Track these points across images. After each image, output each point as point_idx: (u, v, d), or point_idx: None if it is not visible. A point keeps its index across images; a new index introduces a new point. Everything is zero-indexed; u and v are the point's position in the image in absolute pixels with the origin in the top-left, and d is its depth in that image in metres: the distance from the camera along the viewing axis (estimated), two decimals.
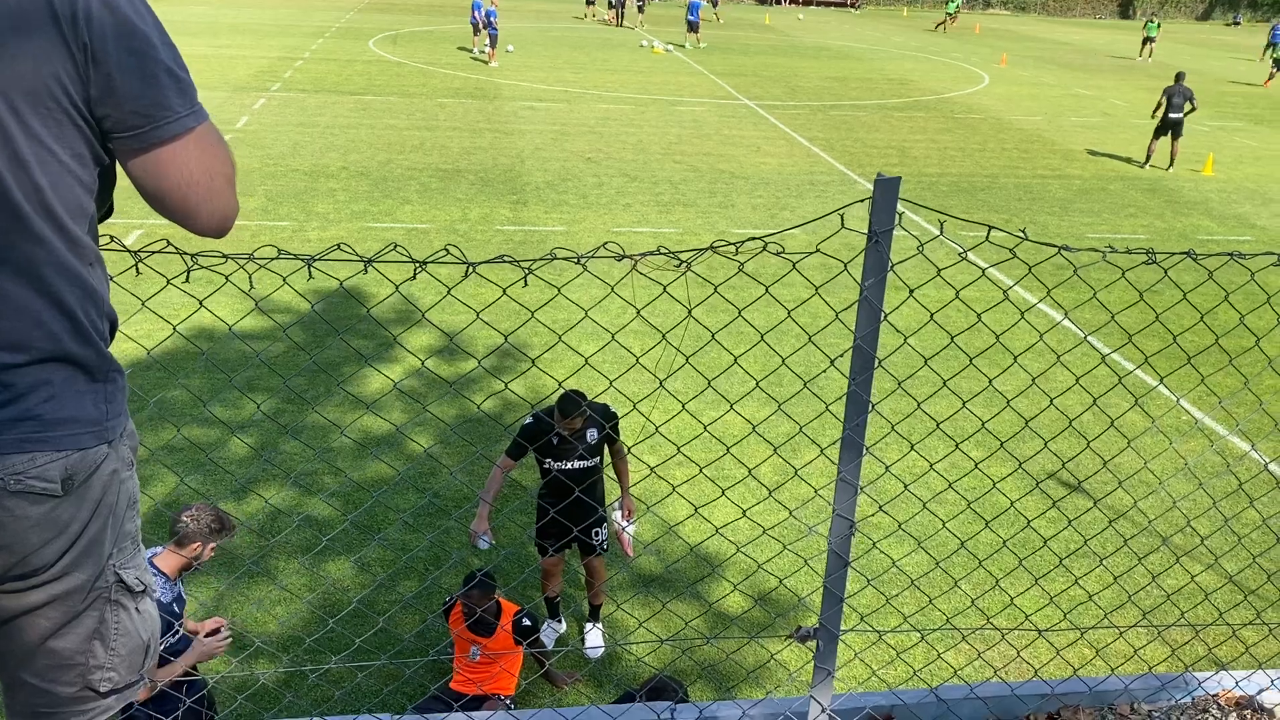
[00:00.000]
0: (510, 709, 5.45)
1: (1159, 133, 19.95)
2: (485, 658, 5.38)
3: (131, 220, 11.11)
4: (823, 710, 2.94)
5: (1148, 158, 20.21)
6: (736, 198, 16.33)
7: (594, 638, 6.12)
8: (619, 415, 5.80)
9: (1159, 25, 41.28)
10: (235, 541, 6.87)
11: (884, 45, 39.91)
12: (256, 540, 6.90)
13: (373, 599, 6.40)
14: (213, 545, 4.41)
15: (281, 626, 6.08)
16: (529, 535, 6.89)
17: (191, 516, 4.35)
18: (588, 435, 5.65)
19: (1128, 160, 20.88)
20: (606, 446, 5.80)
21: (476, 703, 5.29)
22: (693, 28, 35.58)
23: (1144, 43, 40.17)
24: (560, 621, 6.25)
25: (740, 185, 17.16)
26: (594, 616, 6.19)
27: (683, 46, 35.32)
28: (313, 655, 5.79)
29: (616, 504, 6.03)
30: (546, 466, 5.67)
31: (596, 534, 5.86)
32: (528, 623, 5.35)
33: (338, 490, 7.55)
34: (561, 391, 5.68)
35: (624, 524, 5.95)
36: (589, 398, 5.56)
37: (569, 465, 5.64)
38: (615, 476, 5.95)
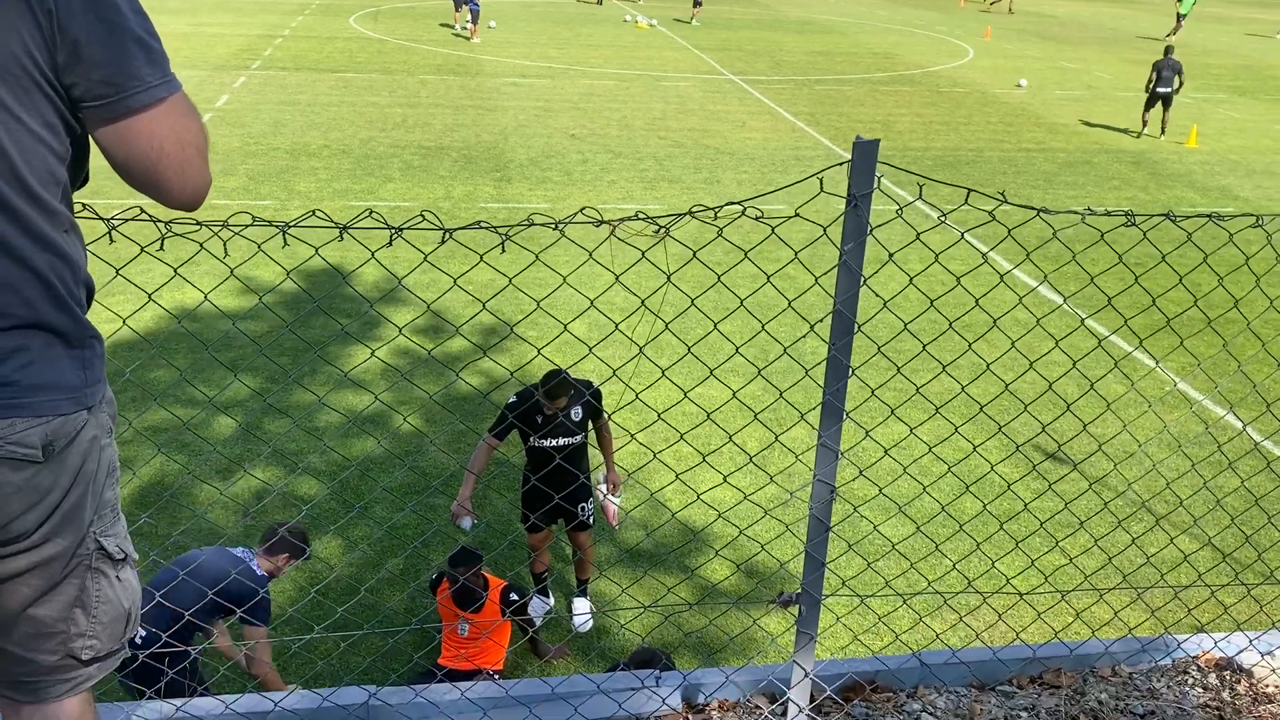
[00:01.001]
0: (496, 679, 5.44)
1: (1150, 104, 19.94)
2: (474, 632, 5.35)
3: (111, 201, 10.98)
4: (805, 675, 2.92)
5: (1143, 126, 20.20)
6: (722, 173, 16.26)
7: (582, 610, 6.11)
8: (601, 389, 5.76)
9: (1195, 1, 37.57)
10: (222, 520, 6.82)
11: (869, 19, 39.72)
12: (242, 519, 6.85)
13: (359, 575, 6.36)
14: (295, 563, 4.82)
15: (271, 605, 6.04)
16: (516, 512, 6.86)
17: (290, 530, 4.72)
18: (572, 412, 5.62)
19: (1115, 130, 20.86)
20: (591, 421, 5.77)
21: (465, 679, 5.27)
22: (697, 1, 35.07)
23: (1177, 19, 36.77)
24: (549, 596, 6.23)
25: (725, 161, 17.08)
26: (581, 590, 6.17)
27: (688, 22, 34.90)
28: (299, 630, 5.76)
29: (601, 476, 6.00)
30: (532, 444, 5.63)
31: (583, 508, 5.84)
32: (515, 596, 5.33)
33: (323, 468, 7.50)
34: (547, 370, 5.63)
35: (610, 496, 5.93)
36: (568, 371, 5.52)
37: (554, 442, 5.61)
38: (600, 450, 5.91)
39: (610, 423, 5.92)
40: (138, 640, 4.20)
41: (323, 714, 2.76)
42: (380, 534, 6.74)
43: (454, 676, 5.25)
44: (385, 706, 2.82)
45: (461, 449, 7.85)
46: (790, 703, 2.97)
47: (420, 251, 2.32)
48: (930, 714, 2.99)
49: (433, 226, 2.12)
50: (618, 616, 6.07)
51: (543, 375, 5.55)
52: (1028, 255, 2.76)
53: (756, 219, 2.30)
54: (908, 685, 3.18)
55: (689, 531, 6.92)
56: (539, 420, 5.58)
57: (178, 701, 2.65)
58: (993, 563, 5.68)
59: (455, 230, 2.17)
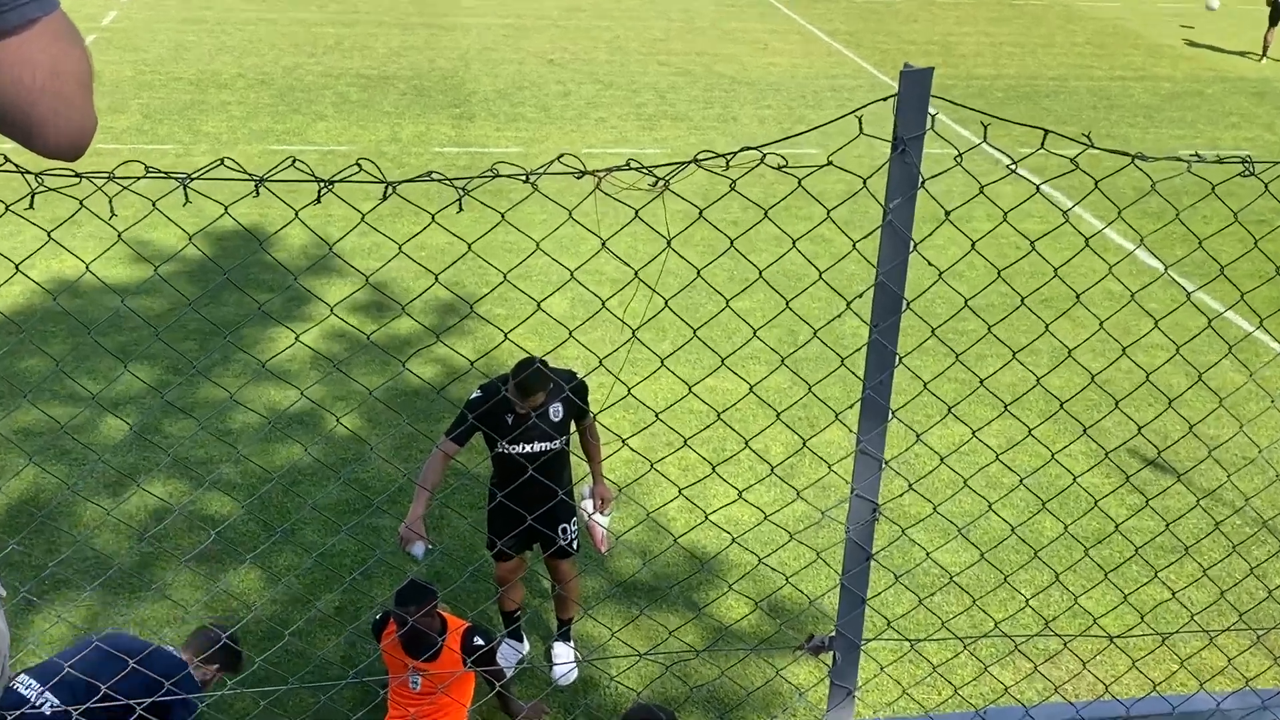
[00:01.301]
0: None
1: (1275, 21, 19.91)
2: (428, 687, 5.37)
3: None
4: None
5: (1264, 50, 20.16)
6: (739, 109, 16.23)
7: (563, 658, 6.13)
8: (587, 383, 5.76)
9: None
10: (112, 546, 6.84)
11: None
12: (137, 545, 6.86)
13: (284, 615, 6.37)
14: (221, 676, 4.98)
15: None
16: (480, 536, 6.87)
17: (226, 635, 4.87)
18: (550, 411, 5.62)
19: (1232, 53, 20.83)
20: (574, 422, 5.78)
21: None
22: None
23: None
24: (522, 641, 6.25)
25: (743, 93, 17.05)
26: (563, 633, 6.19)
27: None
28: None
29: (587, 491, 6.01)
30: (500, 450, 5.64)
31: (564, 531, 5.85)
32: (480, 641, 5.34)
33: (239, 481, 7.50)
34: (518, 358, 5.64)
35: (597, 515, 5.94)
36: (545, 360, 5.52)
37: (528, 448, 5.61)
38: (584, 458, 5.92)
39: (597, 424, 5.92)
40: (47, 711, 4.37)
41: None
42: (310, 564, 6.75)
43: None
44: None
45: (411, 457, 7.85)
46: None
47: (357, 210, 2.33)
48: None
49: (373, 179, 2.12)
50: (608, 666, 6.09)
51: (514, 365, 5.54)
52: (1120, 213, 2.76)
53: (780, 168, 2.30)
54: None
55: (696, 560, 6.93)
56: (509, 421, 5.58)
57: None
58: (1075, 598, 5.70)
59: (402, 183, 2.17)
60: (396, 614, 5.22)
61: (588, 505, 5.99)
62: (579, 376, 5.71)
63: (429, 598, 5.15)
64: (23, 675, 4.52)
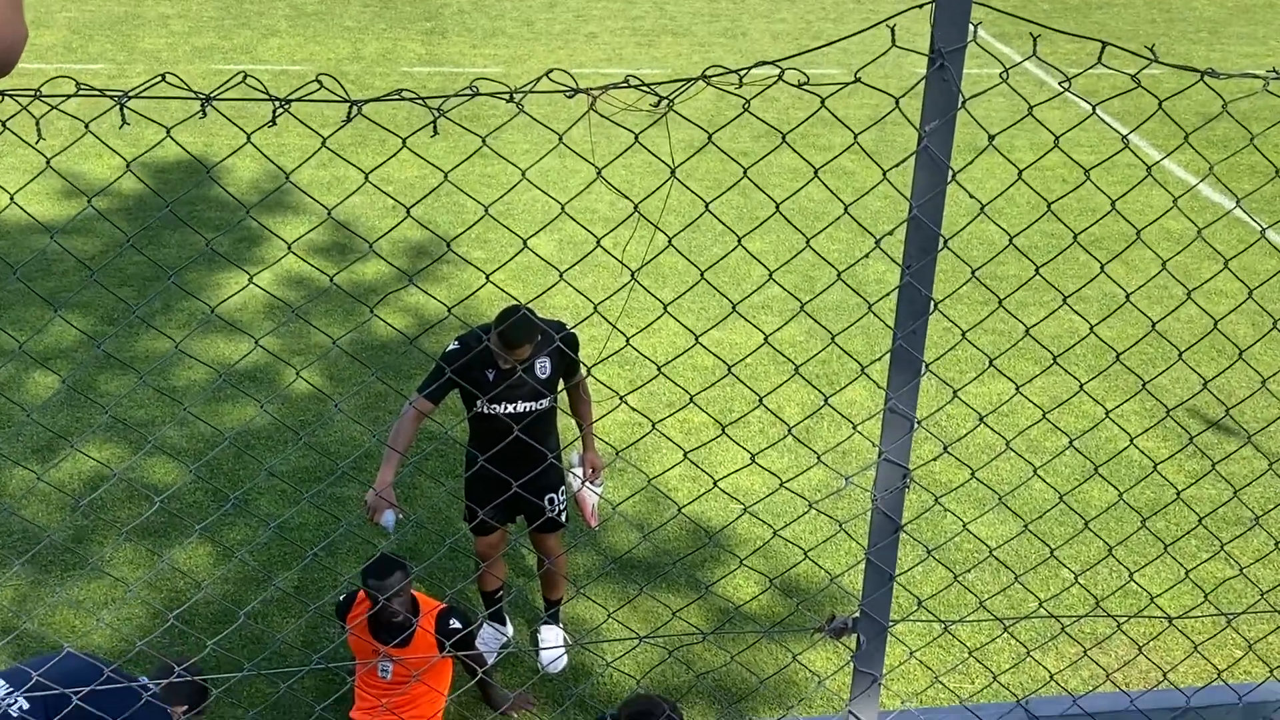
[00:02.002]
0: None
1: None
2: (400, 674, 5.39)
3: None
4: None
5: None
6: (748, 22, 16.12)
7: (551, 643, 6.16)
8: (578, 334, 5.74)
9: None
10: (42, 517, 6.84)
11: None
12: (71, 516, 6.87)
13: (237, 594, 6.39)
14: (188, 716, 4.99)
15: (111, 635, 6.08)
16: (457, 506, 6.89)
17: (190, 670, 4.87)
18: (537, 367, 5.61)
19: None
20: (563, 379, 5.77)
21: None
22: None
23: None
24: (505, 624, 6.28)
25: (753, 4, 16.92)
26: (551, 615, 6.22)
27: None
28: (153, 671, 5.80)
29: (576, 459, 6.01)
30: (480, 410, 5.63)
31: (551, 501, 5.86)
32: (457, 624, 5.36)
33: (184, 445, 7.51)
34: (502, 306, 5.62)
35: (587, 485, 5.94)
36: (531, 308, 5.50)
37: (511, 408, 5.61)
38: (574, 418, 5.92)
39: (590, 380, 5.90)
40: (14, 714, 4.49)
41: None
42: (266, 537, 6.77)
43: None
44: None
45: (379, 418, 7.86)
46: None
47: (318, 135, 2.31)
48: None
49: (334, 98, 2.09)
50: (603, 651, 6.12)
51: (496, 314, 5.52)
52: (1186, 138, 2.74)
53: (799, 86, 2.27)
54: None
55: (701, 532, 6.95)
56: (490, 377, 5.57)
57: None
58: (1131, 574, 5.71)
59: (368, 101, 2.14)
60: (366, 595, 5.23)
61: (577, 472, 5.99)
62: (569, 328, 5.68)
63: (400, 575, 5.16)
64: None
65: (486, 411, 5.62)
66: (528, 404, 5.62)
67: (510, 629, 6.32)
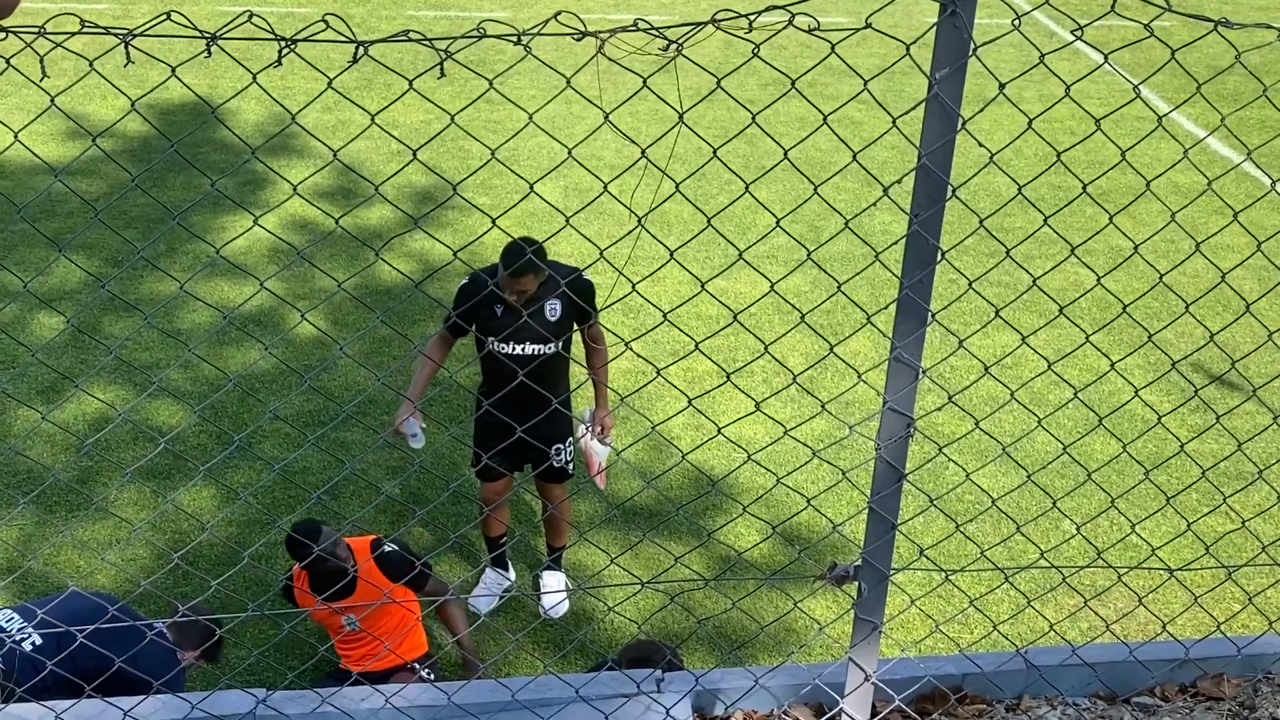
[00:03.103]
0: (430, 677, 5.51)
1: None
2: (367, 621, 5.36)
3: None
4: (866, 679, 2.96)
5: None
6: None
7: (553, 588, 6.18)
8: (593, 281, 5.66)
9: None
10: (47, 458, 6.86)
11: None
12: (78, 458, 6.89)
13: (241, 536, 6.42)
14: (199, 665, 5.19)
15: (115, 575, 6.11)
16: (462, 451, 6.90)
17: (204, 615, 5.11)
18: (546, 309, 5.58)
19: None
20: (575, 323, 5.73)
21: (382, 681, 5.33)
22: None
23: None
24: (508, 569, 6.30)
25: None
26: (554, 560, 6.23)
27: None
28: (159, 613, 5.83)
29: (588, 414, 5.99)
30: (489, 349, 5.61)
31: (558, 451, 5.85)
32: (391, 548, 5.27)
33: (189, 387, 7.51)
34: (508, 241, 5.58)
35: (595, 441, 5.91)
36: (544, 249, 5.46)
37: (518, 349, 5.58)
38: (588, 370, 5.90)
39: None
40: (27, 648, 4.59)
41: None
42: (270, 480, 6.78)
43: (369, 680, 5.30)
44: (279, 717, 2.87)
45: (384, 363, 7.86)
46: (844, 715, 3.02)
47: (324, 75, 2.29)
48: None
49: (340, 38, 2.08)
50: (604, 597, 6.15)
51: (505, 247, 5.48)
52: (1199, 88, 2.71)
53: (810, 32, 2.26)
54: (1008, 694, 3.23)
55: (704, 480, 6.97)
56: (498, 313, 5.55)
57: None
58: (1133, 526, 5.72)
59: (375, 42, 2.12)
60: (305, 559, 5.09)
61: (586, 427, 5.95)
62: (583, 273, 5.58)
63: (320, 532, 5.08)
64: (5, 609, 4.74)
65: (495, 350, 5.60)
66: (535, 346, 5.59)
67: (513, 574, 6.34)
